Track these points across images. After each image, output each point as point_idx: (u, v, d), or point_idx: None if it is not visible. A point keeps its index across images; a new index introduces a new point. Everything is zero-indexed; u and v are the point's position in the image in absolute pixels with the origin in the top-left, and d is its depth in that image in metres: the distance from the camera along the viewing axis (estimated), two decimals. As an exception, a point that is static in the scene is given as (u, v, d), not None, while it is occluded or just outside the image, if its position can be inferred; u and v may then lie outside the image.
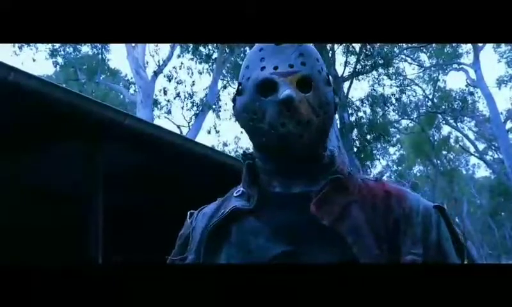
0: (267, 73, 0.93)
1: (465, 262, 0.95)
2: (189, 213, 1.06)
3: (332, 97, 0.98)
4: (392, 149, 24.16)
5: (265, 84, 0.92)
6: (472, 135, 23.91)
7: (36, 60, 17.27)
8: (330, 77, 1.01)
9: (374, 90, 16.76)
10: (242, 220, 0.92)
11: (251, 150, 1.03)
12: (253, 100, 0.94)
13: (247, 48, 12.86)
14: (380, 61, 14.39)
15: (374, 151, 17.26)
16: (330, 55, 13.97)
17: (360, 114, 15.48)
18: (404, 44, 15.90)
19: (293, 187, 0.95)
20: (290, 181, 0.95)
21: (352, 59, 15.17)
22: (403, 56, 18.99)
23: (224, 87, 17.32)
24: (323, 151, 0.98)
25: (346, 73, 15.11)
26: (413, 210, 0.93)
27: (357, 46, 14.35)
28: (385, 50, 14.65)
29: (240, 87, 0.99)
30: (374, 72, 15.97)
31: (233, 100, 1.03)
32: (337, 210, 0.89)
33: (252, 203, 0.94)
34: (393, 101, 17.48)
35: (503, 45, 19.27)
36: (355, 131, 14.73)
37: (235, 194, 0.98)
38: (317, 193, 0.91)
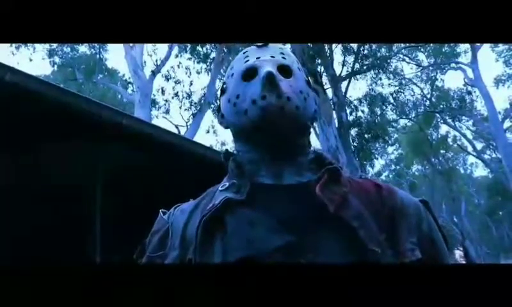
0: (251, 62, 0.98)
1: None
2: (161, 211, 1.05)
3: (312, 97, 1.02)
4: (390, 149, 24.22)
5: (249, 71, 0.97)
6: (469, 135, 23.98)
7: (32, 60, 17.27)
8: (319, 78, 1.04)
9: (372, 89, 16.79)
10: (235, 210, 0.90)
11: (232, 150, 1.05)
12: (237, 87, 0.98)
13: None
14: (378, 61, 14.42)
15: (373, 151, 17.29)
16: (328, 54, 13.97)
17: (358, 113, 15.52)
18: (402, 43, 15.92)
19: (283, 178, 0.95)
20: (278, 172, 0.96)
21: (351, 59, 15.20)
22: (401, 55, 19.01)
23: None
24: (307, 145, 1.01)
25: (344, 73, 15.13)
26: (404, 202, 0.95)
27: (355, 45, 14.37)
28: (383, 49, 14.67)
29: (224, 86, 1.04)
30: (372, 71, 15.99)
31: (218, 109, 1.07)
32: (337, 199, 0.89)
33: (243, 194, 0.93)
34: (392, 100, 17.50)
35: (500, 44, 19.31)
36: (353, 130, 14.75)
37: (220, 189, 0.97)
38: (317, 180, 0.92)
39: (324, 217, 0.86)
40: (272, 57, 0.98)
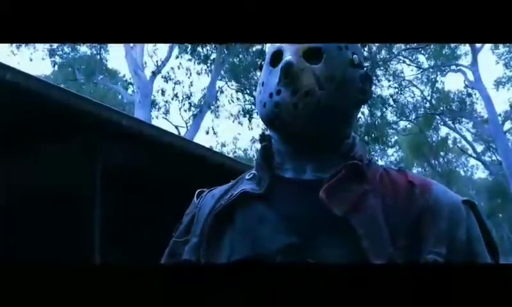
0: (279, 44, 0.91)
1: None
2: (197, 191, 1.00)
3: (358, 79, 0.92)
4: (390, 151, 24.18)
5: (275, 55, 0.91)
6: (470, 137, 23.94)
7: (33, 60, 17.28)
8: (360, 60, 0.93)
9: (372, 91, 16.75)
10: (249, 205, 0.86)
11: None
12: (265, 72, 0.92)
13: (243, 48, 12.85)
14: (380, 62, 14.43)
15: (372, 153, 17.28)
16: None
17: (358, 115, 15.48)
18: (402, 45, 15.93)
19: (305, 172, 0.88)
20: (302, 166, 0.89)
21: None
22: (401, 57, 19.01)
23: (222, 90, 17.31)
24: (343, 136, 0.91)
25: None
26: (438, 202, 0.83)
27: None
28: (383, 51, 14.67)
29: (263, 62, 0.97)
30: (372, 73, 15.99)
31: None
32: (352, 199, 0.81)
33: (262, 187, 0.87)
34: (392, 102, 17.49)
35: (501, 46, 19.31)
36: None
37: (247, 177, 0.93)
38: (330, 178, 0.83)
39: (331, 219, 0.79)
40: None
